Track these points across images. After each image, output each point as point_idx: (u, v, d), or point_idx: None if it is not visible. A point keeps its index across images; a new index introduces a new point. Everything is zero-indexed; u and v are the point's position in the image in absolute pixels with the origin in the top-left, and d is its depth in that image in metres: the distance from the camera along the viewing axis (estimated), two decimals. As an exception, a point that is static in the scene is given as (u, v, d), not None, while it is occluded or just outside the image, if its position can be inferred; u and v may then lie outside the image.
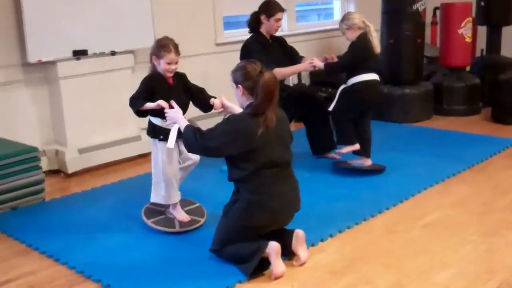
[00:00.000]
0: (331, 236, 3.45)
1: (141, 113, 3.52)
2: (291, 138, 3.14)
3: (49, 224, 3.85)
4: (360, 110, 4.47)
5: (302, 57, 5.02)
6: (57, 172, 4.93)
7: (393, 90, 6.09)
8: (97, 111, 5.05)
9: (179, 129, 3.31)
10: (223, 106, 3.45)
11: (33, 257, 3.40)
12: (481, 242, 3.31)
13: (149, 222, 3.67)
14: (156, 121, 3.55)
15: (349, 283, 2.92)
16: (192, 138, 2.99)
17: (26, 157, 4.14)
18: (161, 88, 3.49)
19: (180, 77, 3.64)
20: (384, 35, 6.23)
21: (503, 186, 4.20)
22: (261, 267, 2.99)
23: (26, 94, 4.84)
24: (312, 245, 3.32)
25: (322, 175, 4.53)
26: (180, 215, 3.69)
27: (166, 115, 3.26)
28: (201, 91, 3.71)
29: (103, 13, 4.94)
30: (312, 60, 4.57)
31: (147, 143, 5.28)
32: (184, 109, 3.50)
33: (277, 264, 2.95)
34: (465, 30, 6.21)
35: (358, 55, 4.37)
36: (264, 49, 4.72)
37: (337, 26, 7.58)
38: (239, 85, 2.99)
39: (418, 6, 5.99)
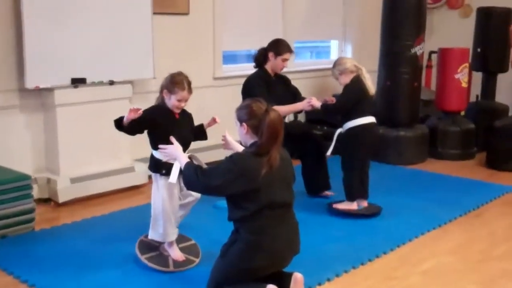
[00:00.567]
0: (328, 280, 3.38)
1: (125, 130, 3.47)
2: (293, 179, 3.10)
3: (38, 256, 3.75)
4: (364, 154, 4.45)
5: (304, 98, 5.00)
6: (47, 200, 4.83)
7: (388, 131, 6.10)
8: (92, 140, 4.99)
9: None
10: (225, 141, 3.40)
11: (21, 290, 3.30)
12: (480, 292, 3.27)
13: (143, 258, 3.59)
14: (158, 155, 3.49)
15: (347, 331, 2.86)
16: (193, 176, 2.93)
17: (19, 184, 4.05)
18: (166, 121, 3.45)
19: (187, 115, 3.63)
20: (381, 77, 6.26)
21: (499, 234, 4.17)
22: (259, 311, 2.91)
23: (21, 120, 4.77)
24: (309, 288, 3.25)
25: (317, 215, 4.47)
26: (175, 253, 3.60)
27: (164, 151, 3.20)
28: (200, 127, 3.74)
29: (103, 42, 4.91)
30: (311, 99, 4.57)
31: (140, 175, 5.26)
32: (186, 146, 3.46)
33: (275, 308, 2.88)
34: (462, 75, 6.26)
35: (352, 97, 4.39)
36: (266, 86, 4.71)
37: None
38: (243, 123, 2.95)
39: (417, 50, 6.03)
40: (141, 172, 5.26)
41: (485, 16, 6.69)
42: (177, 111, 3.50)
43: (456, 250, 3.87)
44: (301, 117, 6.88)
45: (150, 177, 5.26)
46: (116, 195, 5.10)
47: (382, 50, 6.26)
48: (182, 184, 3.52)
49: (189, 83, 3.50)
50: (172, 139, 3.19)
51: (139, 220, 4.36)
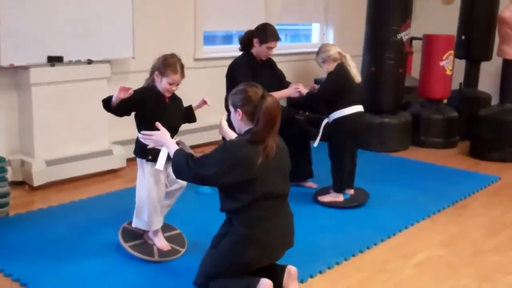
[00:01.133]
0: (320, 272, 3.27)
1: (113, 110, 3.23)
2: (289, 169, 2.95)
3: (14, 243, 3.55)
4: (352, 144, 4.33)
5: (289, 82, 4.86)
6: (21, 184, 4.60)
7: (371, 118, 5.98)
8: (68, 121, 4.77)
9: None
10: (220, 125, 3.24)
11: (-3, 280, 3.10)
12: (477, 287, 3.18)
13: (126, 246, 3.42)
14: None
15: (344, 327, 2.75)
16: (183, 165, 2.75)
17: (-8, 167, 3.84)
18: (155, 104, 3.26)
19: (177, 100, 3.45)
20: (365, 62, 6.15)
21: (489, 226, 4.10)
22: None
23: (-6, 99, 4.53)
24: (302, 281, 3.13)
25: (303, 205, 4.33)
26: (161, 242, 3.44)
27: (150, 138, 3.00)
28: (188, 109, 3.57)
29: (81, 18, 4.68)
30: (298, 86, 4.42)
31: (118, 158, 5.06)
32: (175, 132, 3.29)
33: (269, 303, 2.75)
34: (447, 62, 6.18)
35: (334, 86, 4.24)
36: (251, 71, 4.54)
37: (315, 49, 7.54)
38: (238, 109, 2.78)
39: (403, 35, 5.92)
40: (119, 155, 5.07)
41: (470, 3, 6.60)
42: (168, 95, 3.32)
43: (447, 242, 3.79)
44: (283, 102, 6.72)
45: (128, 160, 5.17)
46: (93, 179, 4.90)
47: (367, 35, 6.13)
48: (169, 170, 3.38)
49: (182, 66, 3.32)
50: (158, 125, 2.99)
51: (119, 205, 4.22)
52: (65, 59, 4.62)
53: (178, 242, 3.53)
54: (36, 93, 4.52)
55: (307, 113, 6.23)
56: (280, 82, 4.79)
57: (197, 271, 2.95)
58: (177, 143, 3.03)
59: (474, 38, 6.60)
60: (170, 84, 3.27)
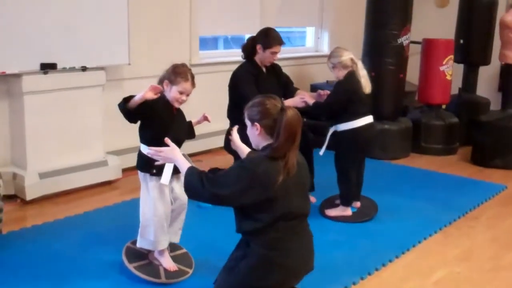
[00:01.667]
0: (338, 293, 3.11)
1: (129, 112, 3.00)
2: (309, 186, 2.78)
3: (10, 263, 3.33)
4: (360, 156, 4.17)
5: (296, 89, 4.68)
6: (13, 197, 4.37)
7: (372, 124, 5.84)
8: (62, 131, 4.55)
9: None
10: (232, 139, 3.05)
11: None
12: (501, 307, 3.05)
13: (131, 267, 3.22)
14: (148, 151, 3.11)
15: None
16: (197, 185, 2.55)
17: (-16, 182, 3.62)
18: (164, 113, 3.08)
19: (182, 113, 3.26)
20: (365, 67, 5.96)
21: (504, 239, 3.98)
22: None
23: (-17, 109, 4.30)
24: (320, 304, 2.96)
25: (311, 219, 4.14)
26: (167, 262, 3.25)
27: (159, 154, 2.78)
28: (188, 124, 3.41)
29: (76, 25, 4.46)
30: (304, 96, 4.23)
31: (113, 169, 4.86)
32: (180, 145, 3.10)
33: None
34: (447, 67, 6.06)
35: (343, 96, 4.06)
36: (255, 80, 4.35)
37: (309, 53, 7.40)
38: (255, 123, 2.59)
39: (403, 40, 5.78)
40: (115, 166, 4.87)
41: (468, 7, 6.49)
42: (177, 105, 3.14)
43: (464, 258, 3.65)
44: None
45: (124, 171, 4.97)
46: (88, 191, 4.69)
47: (367, 39, 5.98)
48: (173, 185, 3.20)
49: (192, 76, 3.15)
50: (168, 140, 2.77)
51: (117, 220, 4.04)
52: (59, 66, 4.41)
53: (185, 262, 3.34)
54: (28, 102, 4.30)
55: (305, 119, 6.06)
56: (287, 88, 4.61)
57: (212, 296, 2.77)
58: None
59: (473, 42, 6.49)
60: (181, 93, 3.09)
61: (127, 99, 2.98)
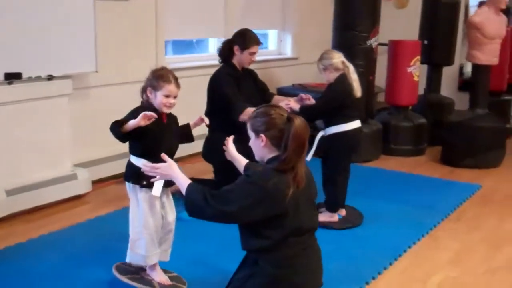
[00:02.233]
0: (340, 306, 3.01)
1: (123, 136, 2.85)
2: (316, 197, 2.66)
3: (-14, 292, 3.09)
4: (348, 161, 4.10)
5: (272, 94, 4.58)
6: (-23, 217, 4.10)
7: (342, 127, 5.78)
8: (28, 144, 4.29)
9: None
10: (227, 149, 2.90)
11: None
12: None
13: (124, 278, 3.08)
14: (139, 162, 2.94)
15: None
16: (200, 202, 2.38)
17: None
18: (154, 125, 2.88)
19: (173, 118, 3.10)
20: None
21: (492, 240, 3.97)
22: None
23: None
24: (324, 319, 2.84)
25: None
26: (160, 277, 3.10)
27: (155, 171, 2.57)
28: (186, 127, 3.25)
29: (41, 32, 4.21)
30: (289, 102, 4.09)
31: (82, 183, 4.62)
32: (173, 156, 2.93)
33: None
34: (414, 68, 6.07)
35: (333, 100, 3.97)
36: (235, 83, 4.22)
37: (273, 57, 7.30)
38: (261, 135, 2.45)
39: (372, 42, 5.75)
40: (84, 180, 4.63)
41: (432, 8, 6.54)
42: (166, 110, 2.96)
43: (457, 261, 3.62)
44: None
45: (93, 183, 4.74)
46: (58, 206, 4.43)
47: (335, 41, 5.92)
48: (164, 199, 3.05)
49: (175, 77, 2.98)
50: (164, 156, 2.59)
51: (95, 237, 3.84)
52: (24, 76, 4.15)
53: (178, 281, 3.17)
54: (-8, 114, 4.04)
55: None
56: (263, 94, 4.50)
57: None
58: None
59: (437, 43, 6.53)
60: (167, 96, 2.92)
61: (118, 124, 2.81)
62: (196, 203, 2.41)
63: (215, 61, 4.48)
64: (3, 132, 4.11)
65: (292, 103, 4.01)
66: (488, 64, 5.70)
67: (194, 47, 6.46)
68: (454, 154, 5.77)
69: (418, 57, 6.11)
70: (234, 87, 4.15)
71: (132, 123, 2.77)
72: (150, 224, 2.99)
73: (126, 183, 3.05)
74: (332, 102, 3.97)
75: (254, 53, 4.29)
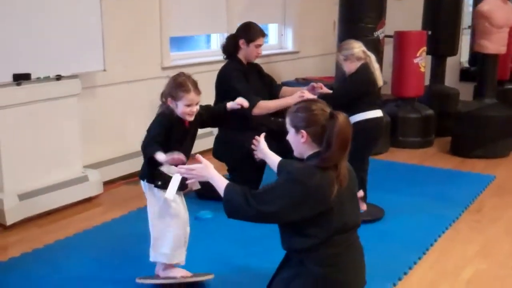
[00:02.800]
0: (377, 304, 2.94)
1: (152, 161, 2.78)
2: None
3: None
4: (370, 151, 4.02)
5: (280, 86, 4.52)
6: (-11, 224, 3.98)
7: (350, 121, 5.71)
8: (39, 147, 4.18)
9: (183, 179, 2.67)
10: (258, 146, 2.83)
11: None
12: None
13: (148, 281, 3.04)
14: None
15: None
16: (241, 203, 2.31)
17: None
18: (178, 131, 2.84)
19: (196, 122, 3.01)
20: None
21: (515, 231, 3.94)
22: None
23: (-50, 127, 3.87)
24: (363, 318, 2.77)
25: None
26: (181, 271, 3.03)
27: (191, 173, 2.51)
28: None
29: (48, 31, 4.09)
30: (303, 92, 4.02)
31: (94, 185, 4.52)
32: (188, 157, 2.90)
33: None
34: (421, 59, 6.01)
35: (356, 88, 3.90)
36: (244, 78, 4.15)
37: (274, 51, 7.22)
38: (301, 131, 2.37)
39: (379, 33, 5.68)
40: (95, 181, 4.52)
41: (435, -2, 6.49)
42: (189, 118, 2.88)
43: (484, 253, 3.57)
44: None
45: (106, 183, 4.64)
46: (69, 210, 4.33)
47: (341, 33, 5.80)
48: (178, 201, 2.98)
49: (194, 83, 2.88)
50: (199, 157, 2.53)
51: (115, 240, 3.75)
52: (33, 76, 4.03)
53: (200, 275, 3.12)
54: (1, 117, 3.91)
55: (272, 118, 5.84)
56: (271, 87, 4.44)
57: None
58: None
59: (441, 33, 6.47)
60: (188, 105, 2.84)
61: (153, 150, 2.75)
62: (236, 204, 2.34)
63: (219, 57, 4.41)
64: (13, 136, 4.00)
65: (307, 94, 3.93)
66: (496, 53, 5.64)
67: (188, 43, 6.33)
68: (464, 145, 5.73)
69: (424, 48, 6.04)
70: (243, 81, 4.09)
71: (159, 158, 2.69)
72: (172, 221, 2.93)
73: (142, 182, 2.98)
74: (355, 91, 3.89)
75: (260, 45, 4.27)
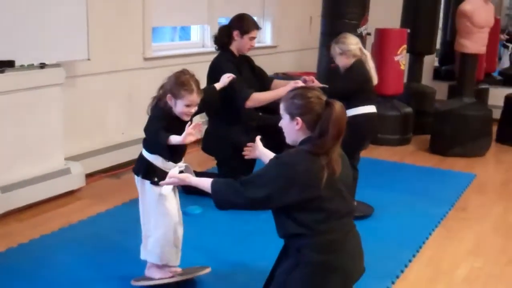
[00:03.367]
0: (377, 303, 2.92)
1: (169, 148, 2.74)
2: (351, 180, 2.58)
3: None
4: (362, 147, 4.00)
5: (272, 79, 4.47)
6: (-31, 217, 3.81)
7: (331, 117, 5.70)
8: (21, 138, 4.03)
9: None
10: (254, 149, 2.79)
11: None
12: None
13: (140, 282, 2.94)
14: (152, 158, 2.80)
15: None
16: (229, 191, 2.33)
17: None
18: (175, 127, 2.73)
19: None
20: (323, 58, 5.81)
21: (503, 229, 3.98)
22: None
23: None
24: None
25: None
26: (173, 269, 2.95)
27: (171, 182, 2.53)
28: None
29: (33, 18, 3.95)
30: (297, 83, 3.98)
31: (76, 177, 4.39)
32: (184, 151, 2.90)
33: None
34: (401, 57, 6.04)
35: (353, 84, 3.87)
36: (237, 70, 4.09)
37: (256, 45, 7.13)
38: (297, 118, 2.34)
39: (362, 30, 5.67)
40: (77, 174, 4.39)
41: (414, -4, 6.53)
42: (186, 118, 2.79)
43: (476, 252, 3.60)
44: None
45: (88, 176, 4.51)
46: (51, 203, 4.18)
47: (324, 29, 5.78)
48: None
49: (197, 83, 2.79)
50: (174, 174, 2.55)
51: (102, 234, 3.64)
52: (17, 64, 3.87)
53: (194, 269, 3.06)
54: (-17, 106, 3.76)
55: (260, 113, 5.80)
56: (262, 80, 4.39)
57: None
58: (181, 172, 2.64)
59: (419, 31, 6.51)
60: (188, 106, 2.74)
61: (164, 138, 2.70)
62: (225, 195, 2.36)
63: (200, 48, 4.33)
64: (-5, 125, 3.84)
65: (301, 85, 3.88)
66: (477, 53, 5.71)
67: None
68: (443, 143, 5.78)
69: (405, 46, 6.08)
70: (237, 73, 4.02)
71: (175, 140, 2.65)
72: (165, 220, 2.84)
73: (136, 177, 2.89)
74: (348, 87, 3.86)
75: (253, 38, 4.24)
